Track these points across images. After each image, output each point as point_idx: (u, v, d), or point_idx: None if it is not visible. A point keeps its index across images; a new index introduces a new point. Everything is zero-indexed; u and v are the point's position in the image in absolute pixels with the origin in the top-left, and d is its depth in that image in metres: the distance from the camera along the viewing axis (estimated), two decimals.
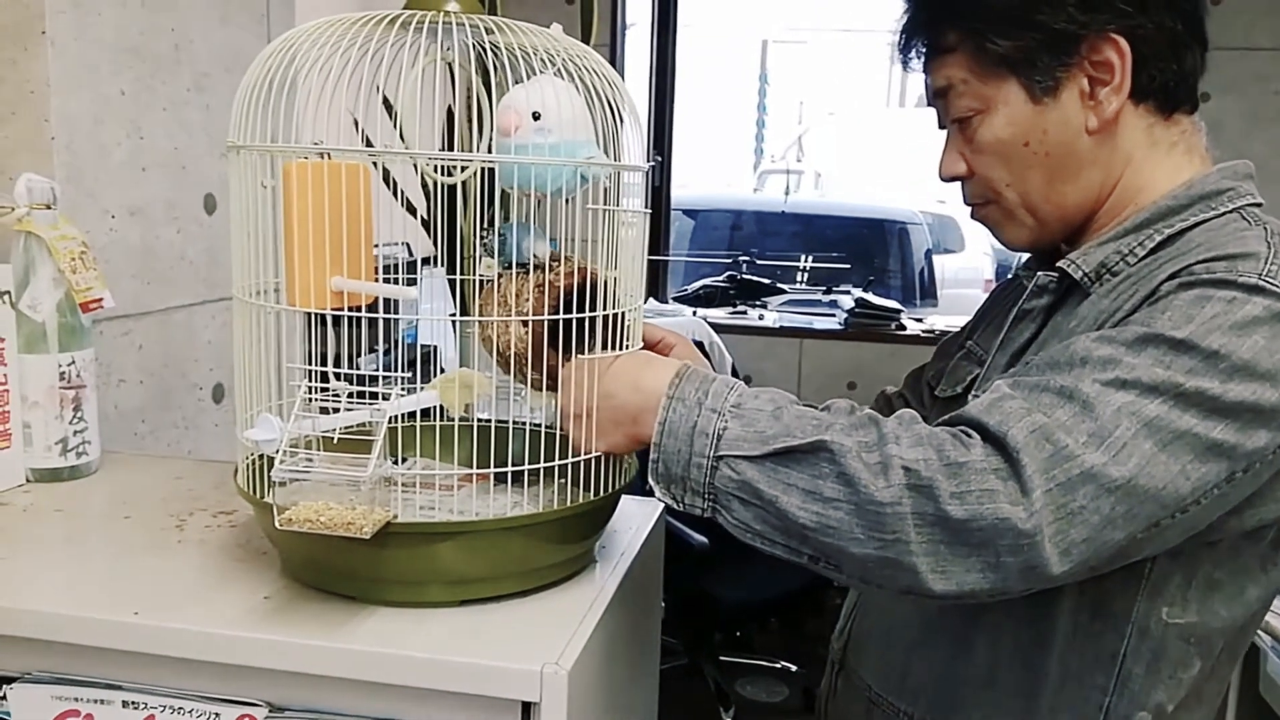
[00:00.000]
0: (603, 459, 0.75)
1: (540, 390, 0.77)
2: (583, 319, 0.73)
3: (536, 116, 0.70)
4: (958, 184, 0.83)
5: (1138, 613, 0.74)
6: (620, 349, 0.76)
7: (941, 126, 0.83)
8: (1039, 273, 0.80)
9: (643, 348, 0.83)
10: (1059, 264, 0.78)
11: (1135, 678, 0.75)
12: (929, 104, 0.83)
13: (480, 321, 0.77)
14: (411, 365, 0.78)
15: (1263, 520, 0.71)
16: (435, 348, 1.10)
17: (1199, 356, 0.65)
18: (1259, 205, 0.76)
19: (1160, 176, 0.77)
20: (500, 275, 0.76)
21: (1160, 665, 0.75)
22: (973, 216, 0.84)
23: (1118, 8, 0.74)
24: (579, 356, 0.73)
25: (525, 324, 0.74)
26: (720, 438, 0.67)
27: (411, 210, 0.82)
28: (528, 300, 0.73)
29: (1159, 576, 0.73)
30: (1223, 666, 0.78)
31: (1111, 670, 0.75)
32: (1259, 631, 1.25)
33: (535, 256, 0.74)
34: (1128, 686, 0.75)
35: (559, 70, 0.72)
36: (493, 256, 0.76)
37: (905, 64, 0.82)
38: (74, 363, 0.96)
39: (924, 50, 0.80)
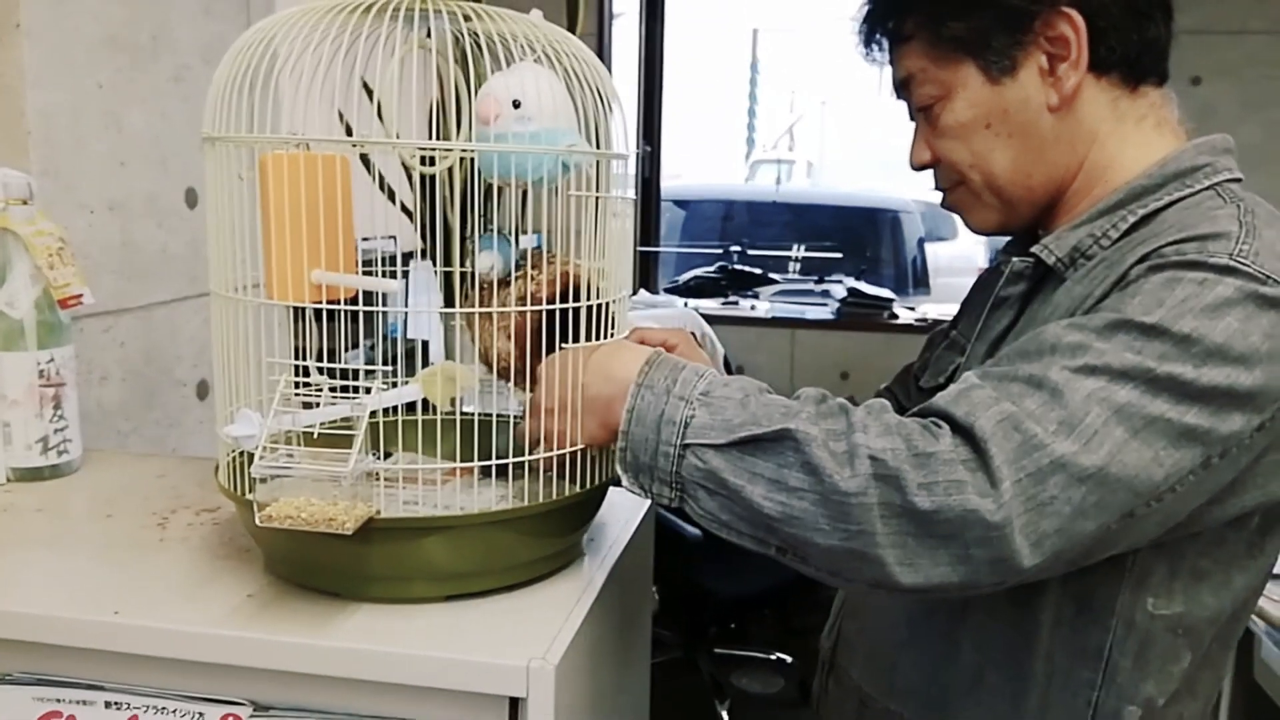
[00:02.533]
0: (589, 451, 0.74)
1: (527, 391, 0.77)
2: (567, 318, 0.72)
3: (517, 105, 0.69)
4: (930, 173, 0.83)
5: (1122, 605, 0.73)
6: (605, 340, 0.75)
7: (912, 119, 0.82)
8: (1014, 259, 0.79)
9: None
10: (1033, 249, 0.77)
11: (1122, 671, 0.74)
12: (896, 97, 0.82)
13: (468, 326, 0.76)
14: (396, 359, 0.77)
15: (1244, 508, 0.70)
16: (422, 341, 1.09)
17: (1170, 341, 0.63)
18: (1238, 180, 0.75)
19: (1129, 151, 0.76)
20: (483, 288, 0.75)
21: (1148, 658, 0.74)
22: (943, 204, 0.84)
23: None
24: (554, 352, 0.72)
25: (509, 338, 0.73)
26: (687, 426, 0.66)
27: (393, 198, 0.81)
28: (515, 313, 0.73)
29: (1142, 568, 0.72)
30: (1216, 657, 0.77)
31: (1098, 664, 0.74)
32: (1253, 616, 1.25)
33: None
34: (1115, 681, 0.74)
35: (538, 57, 0.71)
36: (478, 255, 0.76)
37: (869, 59, 0.82)
38: (53, 360, 0.95)
39: (883, 42, 0.80)
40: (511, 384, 0.77)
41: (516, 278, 0.75)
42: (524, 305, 0.73)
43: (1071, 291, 0.73)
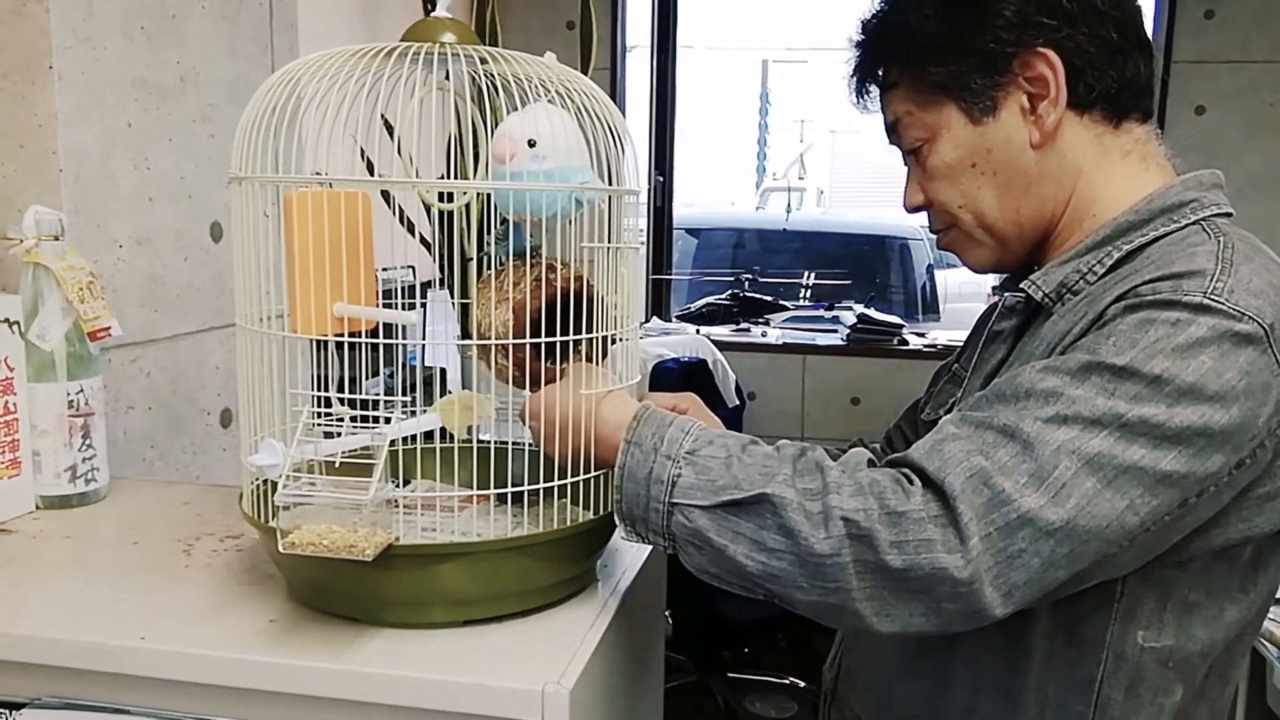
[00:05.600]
0: (604, 478, 0.76)
1: (505, 381, 0.77)
2: (571, 327, 0.73)
3: (532, 144, 0.71)
4: (925, 215, 0.84)
5: (1112, 637, 0.73)
6: (614, 374, 0.77)
7: (905, 162, 0.84)
8: (1006, 294, 0.80)
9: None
10: (1021, 285, 0.78)
11: (1114, 704, 0.74)
12: (889, 142, 0.84)
13: (476, 314, 0.78)
14: (415, 388, 0.79)
15: (1230, 540, 0.70)
16: (441, 370, 1.11)
17: (1142, 383, 0.64)
18: (1227, 215, 0.75)
19: (1115, 187, 0.77)
20: (501, 269, 0.77)
21: (1139, 691, 0.74)
22: (939, 245, 0.85)
23: (1044, 23, 0.74)
24: (546, 389, 0.74)
25: (512, 311, 0.74)
26: (674, 485, 0.69)
27: (412, 232, 0.83)
28: (522, 290, 0.74)
29: (1132, 599, 0.72)
30: (1212, 690, 0.77)
31: (1089, 697, 0.74)
32: (1265, 642, 1.25)
33: (535, 251, 0.75)
34: (1106, 713, 0.74)
35: (552, 98, 0.73)
36: (494, 248, 0.77)
37: (860, 106, 0.84)
38: (82, 391, 0.97)
39: (872, 90, 0.83)
40: (498, 363, 0.77)
41: (533, 262, 0.76)
42: (537, 285, 0.74)
43: (1056, 326, 0.74)
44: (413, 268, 0.83)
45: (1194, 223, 0.74)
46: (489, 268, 0.79)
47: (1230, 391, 0.64)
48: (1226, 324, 0.65)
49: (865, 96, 0.84)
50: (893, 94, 0.80)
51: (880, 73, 0.81)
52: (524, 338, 0.74)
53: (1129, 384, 0.64)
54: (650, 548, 0.88)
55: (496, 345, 0.76)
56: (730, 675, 2.68)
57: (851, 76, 0.84)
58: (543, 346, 0.74)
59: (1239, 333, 0.65)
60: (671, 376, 2.85)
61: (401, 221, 0.84)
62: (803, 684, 2.71)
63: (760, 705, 2.69)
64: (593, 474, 0.76)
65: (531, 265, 0.75)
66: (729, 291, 3.71)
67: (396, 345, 0.71)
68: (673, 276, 3.76)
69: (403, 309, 0.75)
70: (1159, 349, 0.64)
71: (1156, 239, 0.74)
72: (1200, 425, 0.63)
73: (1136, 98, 0.77)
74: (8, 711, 0.71)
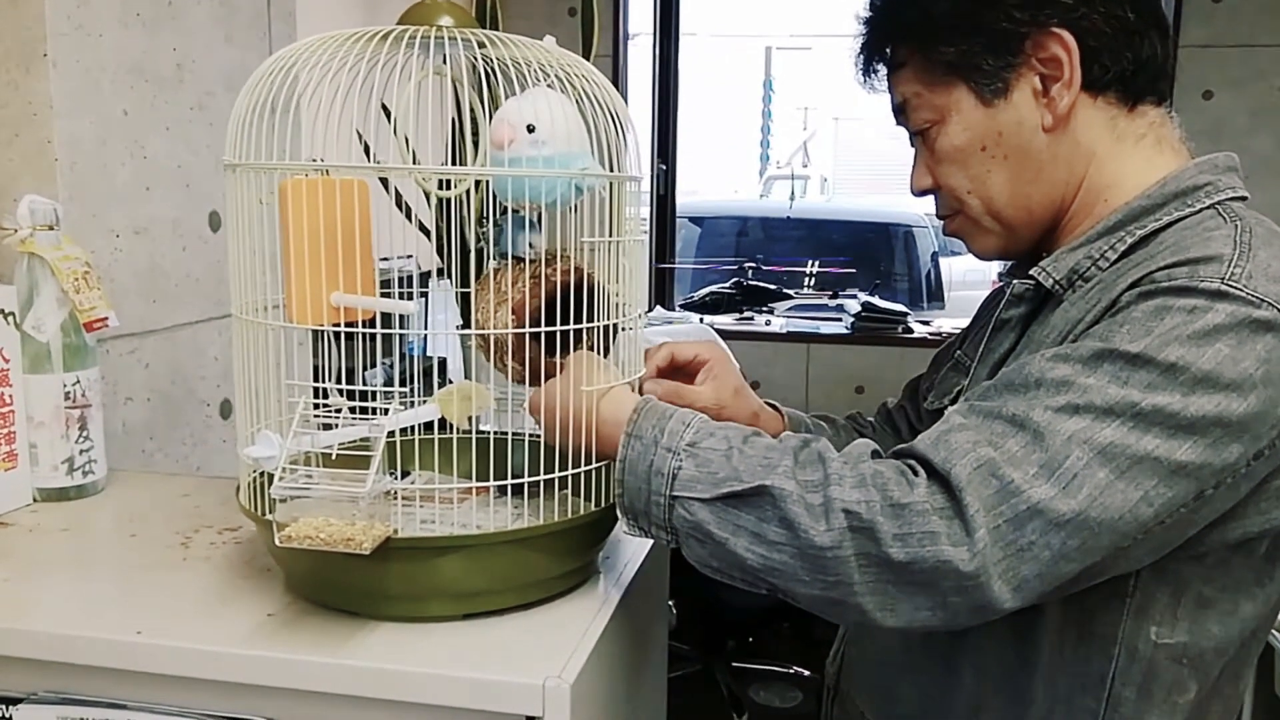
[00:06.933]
0: (605, 469, 0.75)
1: (517, 381, 0.77)
2: (572, 318, 0.72)
3: (531, 129, 0.70)
4: (932, 198, 0.83)
5: (1124, 633, 0.71)
6: (615, 364, 0.76)
7: (912, 144, 0.82)
8: (1014, 281, 0.78)
9: (671, 367, 0.85)
10: (1031, 271, 0.76)
11: (1126, 701, 0.72)
12: (896, 123, 0.82)
13: (477, 317, 0.77)
14: (414, 378, 0.79)
15: (1247, 533, 0.69)
16: (442, 359, 1.10)
17: (1156, 370, 0.62)
18: (1242, 199, 0.74)
19: (1129, 171, 0.75)
20: (498, 268, 0.76)
21: (1152, 688, 0.72)
22: (945, 231, 0.83)
23: (1059, 2, 0.72)
24: (548, 384, 0.73)
25: (512, 312, 0.74)
26: (675, 478, 0.68)
27: (410, 218, 0.82)
28: (521, 289, 0.73)
29: (1145, 595, 0.71)
30: (1226, 687, 0.75)
31: (1100, 693, 0.73)
32: (1273, 631, 1.24)
33: (531, 248, 0.75)
34: (1118, 711, 0.73)
35: (552, 82, 0.72)
36: (490, 246, 0.76)
37: (867, 86, 0.83)
38: (79, 382, 0.96)
39: (880, 70, 0.81)
40: (508, 364, 0.76)
41: (531, 260, 0.75)
42: (535, 283, 0.73)
43: (1067, 314, 0.72)
44: (412, 256, 0.82)
45: (1209, 206, 0.72)
46: (487, 262, 0.78)
47: (1248, 380, 0.62)
48: (1244, 310, 0.63)
49: (872, 76, 0.82)
50: (901, 74, 0.78)
51: (888, 51, 0.79)
52: (524, 338, 0.73)
53: (1143, 372, 0.63)
54: (651, 541, 0.87)
55: (501, 348, 0.75)
56: (734, 664, 2.68)
57: (859, 55, 0.82)
58: (543, 340, 0.73)
59: (1257, 319, 0.63)
60: None
61: (400, 208, 0.83)
62: (807, 673, 2.72)
63: (764, 694, 2.69)
64: (594, 465, 0.75)
65: (530, 262, 0.75)
66: (733, 280, 3.70)
67: (395, 335, 0.70)
68: (676, 265, 3.75)
69: (402, 298, 0.74)
70: (1174, 336, 0.63)
71: (1171, 223, 0.72)
72: (1216, 415, 0.62)
73: (1152, 80, 0.75)
74: (4, 706, 0.70)
